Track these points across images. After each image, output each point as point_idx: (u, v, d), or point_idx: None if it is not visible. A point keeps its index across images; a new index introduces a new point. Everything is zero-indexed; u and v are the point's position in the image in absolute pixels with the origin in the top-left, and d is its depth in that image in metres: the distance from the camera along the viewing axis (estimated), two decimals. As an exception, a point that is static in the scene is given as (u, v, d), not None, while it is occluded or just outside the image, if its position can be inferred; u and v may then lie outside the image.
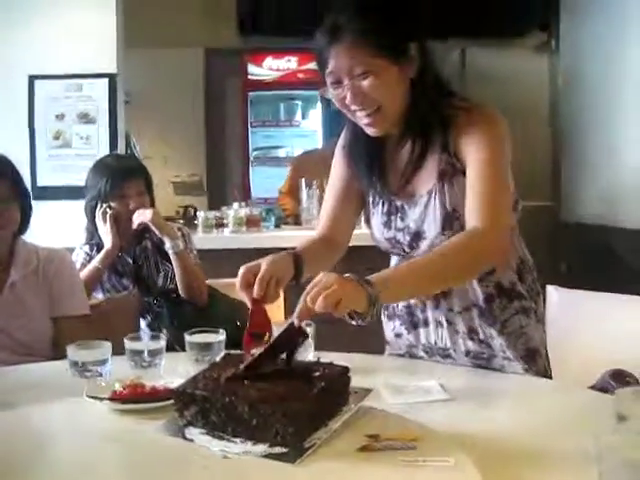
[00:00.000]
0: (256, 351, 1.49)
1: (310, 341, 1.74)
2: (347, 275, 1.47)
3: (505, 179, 1.71)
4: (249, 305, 1.63)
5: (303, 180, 4.28)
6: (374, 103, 1.69)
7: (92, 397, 1.57)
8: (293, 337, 1.48)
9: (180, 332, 1.98)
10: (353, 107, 1.71)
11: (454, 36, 6.02)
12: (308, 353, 1.72)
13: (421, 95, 1.74)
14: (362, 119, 1.74)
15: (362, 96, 1.68)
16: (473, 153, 1.71)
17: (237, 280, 1.64)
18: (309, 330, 1.73)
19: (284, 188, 5.01)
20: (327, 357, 1.59)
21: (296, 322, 1.45)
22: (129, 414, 1.53)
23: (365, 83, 1.66)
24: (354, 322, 1.49)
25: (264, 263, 1.64)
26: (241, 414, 1.31)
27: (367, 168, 1.87)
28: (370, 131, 1.76)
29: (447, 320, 1.87)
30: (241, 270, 1.64)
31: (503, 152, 1.72)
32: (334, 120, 4.71)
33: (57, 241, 2.75)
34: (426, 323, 1.91)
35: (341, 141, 1.96)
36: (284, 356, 1.48)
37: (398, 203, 1.85)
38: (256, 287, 1.61)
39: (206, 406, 1.36)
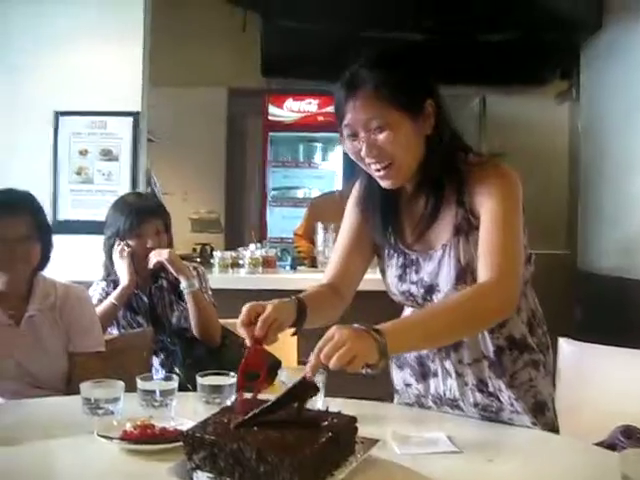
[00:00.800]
0: (261, 398, 1.51)
1: (321, 387, 1.74)
2: (357, 326, 1.49)
3: (517, 232, 1.73)
4: (248, 343, 1.64)
5: (319, 223, 4.30)
6: (388, 157, 1.72)
7: (103, 436, 1.59)
8: (304, 390, 1.49)
9: (192, 371, 2.00)
10: (367, 160, 1.74)
11: (475, 83, 6.08)
12: (318, 400, 1.72)
13: (436, 151, 1.76)
14: (376, 172, 1.76)
15: (377, 150, 1.71)
16: (486, 207, 1.73)
17: (240, 316, 1.65)
18: (320, 378, 1.75)
19: (299, 230, 5.02)
20: (336, 403, 1.61)
21: (308, 376, 1.47)
22: (139, 454, 1.54)
23: (381, 137, 1.69)
24: (364, 372, 1.50)
25: (270, 305, 1.65)
26: (249, 461, 1.32)
27: (382, 221, 1.89)
28: (384, 184, 1.79)
29: (456, 372, 1.87)
30: (245, 307, 1.66)
31: (516, 206, 1.74)
32: (353, 163, 4.78)
33: (75, 275, 2.79)
34: (435, 374, 1.91)
35: (355, 192, 1.97)
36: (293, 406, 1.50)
37: (413, 256, 1.86)
38: (258, 327, 1.62)
39: (215, 451, 1.37)
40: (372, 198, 1.89)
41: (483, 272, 1.69)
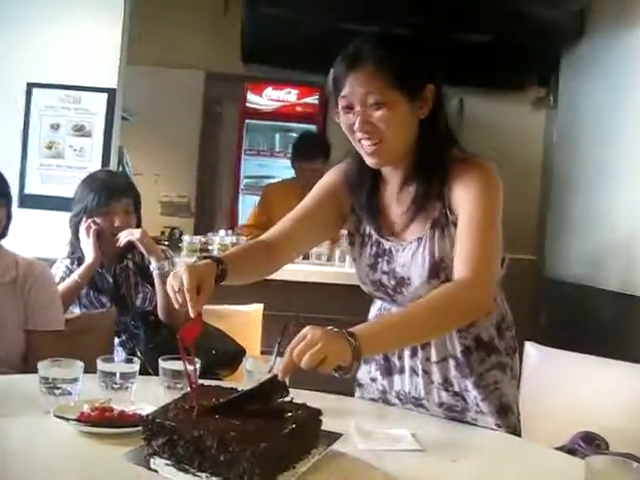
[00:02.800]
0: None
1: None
2: (331, 328, 1.46)
3: (495, 233, 1.72)
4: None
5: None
6: (380, 135, 1.70)
7: (59, 417, 1.55)
8: (274, 390, 1.46)
9: (154, 355, 1.96)
10: (359, 135, 1.72)
11: (453, 84, 6.08)
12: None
13: (430, 138, 1.76)
14: (365, 147, 1.74)
15: (370, 126, 1.70)
16: (465, 204, 1.71)
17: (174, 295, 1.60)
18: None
19: (250, 220, 4.90)
20: (300, 396, 1.58)
21: (280, 376, 1.44)
22: (95, 437, 1.51)
23: (376, 114, 1.68)
24: (337, 375, 1.48)
25: (185, 274, 1.57)
26: (209, 449, 1.30)
27: (367, 201, 1.87)
28: (370, 161, 1.77)
29: (423, 369, 1.86)
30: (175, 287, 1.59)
31: (495, 206, 1.73)
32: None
33: (39, 251, 2.74)
34: (402, 371, 1.90)
35: (341, 166, 1.94)
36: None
37: (387, 246, 1.84)
38: (190, 301, 1.56)
39: (174, 437, 1.35)
40: (361, 177, 1.87)
41: (460, 269, 1.67)
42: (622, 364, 2.24)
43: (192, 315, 1.57)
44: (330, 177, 1.96)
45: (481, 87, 6.32)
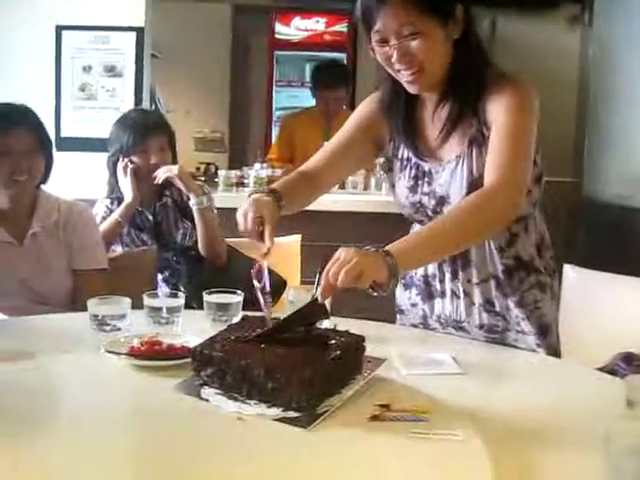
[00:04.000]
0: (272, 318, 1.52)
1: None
2: (366, 248, 1.49)
3: (526, 145, 1.71)
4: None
5: (325, 144, 4.22)
6: (419, 63, 1.70)
7: (111, 352, 1.60)
8: (314, 313, 1.49)
9: (197, 290, 2.00)
10: (397, 66, 1.72)
11: (485, 5, 5.94)
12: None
13: (463, 57, 1.75)
14: (405, 77, 1.74)
15: (409, 56, 1.69)
16: (498, 117, 1.72)
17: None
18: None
19: (273, 154, 4.83)
20: (342, 323, 1.61)
21: (320, 300, 1.46)
22: (146, 370, 1.56)
23: (413, 44, 1.67)
24: (375, 293, 1.51)
25: (251, 207, 1.69)
26: (257, 377, 1.34)
27: (404, 123, 1.87)
28: (411, 89, 1.78)
29: (464, 291, 1.88)
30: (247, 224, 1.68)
31: (527, 121, 1.72)
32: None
33: (78, 192, 2.78)
34: (443, 294, 1.92)
35: (376, 95, 1.94)
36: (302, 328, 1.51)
37: (426, 167, 1.85)
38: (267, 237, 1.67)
39: (222, 367, 1.39)
40: (397, 102, 1.87)
41: (489, 174, 1.68)
42: (662, 283, 2.23)
43: (269, 246, 1.65)
44: (366, 106, 1.96)
45: (513, 6, 6.16)
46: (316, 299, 1.47)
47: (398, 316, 2.08)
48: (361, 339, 1.50)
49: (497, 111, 1.72)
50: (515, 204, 1.68)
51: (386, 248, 1.51)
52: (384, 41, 1.70)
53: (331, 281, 1.44)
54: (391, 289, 1.50)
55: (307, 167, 1.94)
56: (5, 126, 2.29)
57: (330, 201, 3.59)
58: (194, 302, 2.12)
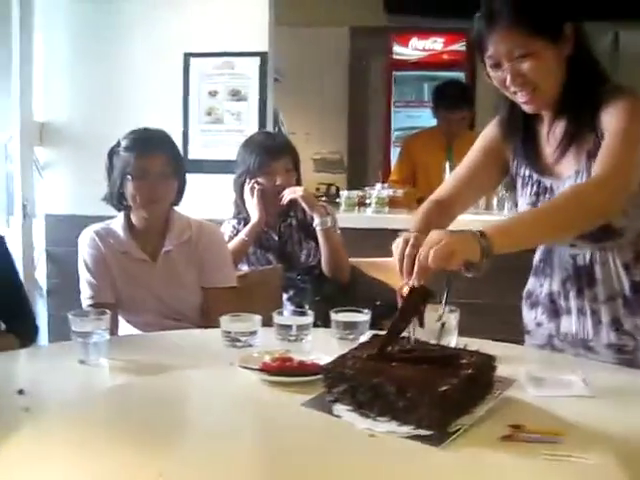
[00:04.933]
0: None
1: (454, 327, 1.76)
2: (457, 231, 1.51)
3: (634, 146, 1.68)
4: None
5: (447, 165, 4.21)
6: (533, 84, 1.73)
7: (244, 367, 1.65)
8: (418, 298, 1.51)
9: (321, 308, 2.04)
10: (513, 88, 1.75)
11: (607, 18, 5.78)
12: (452, 339, 1.73)
13: (577, 74, 1.76)
14: (520, 98, 1.77)
15: (522, 78, 1.72)
16: (611, 125, 1.70)
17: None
18: (453, 316, 1.76)
19: (395, 175, 4.81)
20: (471, 344, 1.61)
21: (416, 283, 1.49)
22: (278, 386, 1.60)
23: (524, 66, 1.70)
24: (469, 274, 1.52)
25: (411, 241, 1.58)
26: (388, 395, 1.36)
27: (522, 143, 1.89)
28: (528, 108, 1.80)
29: (591, 309, 1.85)
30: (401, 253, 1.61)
31: (638, 124, 1.69)
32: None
33: (206, 213, 2.87)
34: (569, 312, 1.90)
35: (497, 119, 1.97)
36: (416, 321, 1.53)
37: (547, 184, 1.86)
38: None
39: (354, 385, 1.41)
40: (514, 121, 1.89)
41: (595, 170, 1.67)
42: None
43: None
44: (489, 130, 1.99)
45: (636, 18, 5.98)
46: (413, 286, 1.49)
47: (526, 337, 2.06)
48: (492, 359, 1.50)
49: (609, 118, 1.71)
50: (615, 201, 1.65)
51: (481, 228, 1.51)
52: (497, 65, 1.74)
53: (422, 263, 1.46)
54: (483, 270, 1.50)
55: (439, 196, 1.97)
56: (145, 150, 2.42)
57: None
58: (318, 320, 2.16)
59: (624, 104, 1.71)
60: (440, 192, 1.98)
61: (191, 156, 4.12)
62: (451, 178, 2.02)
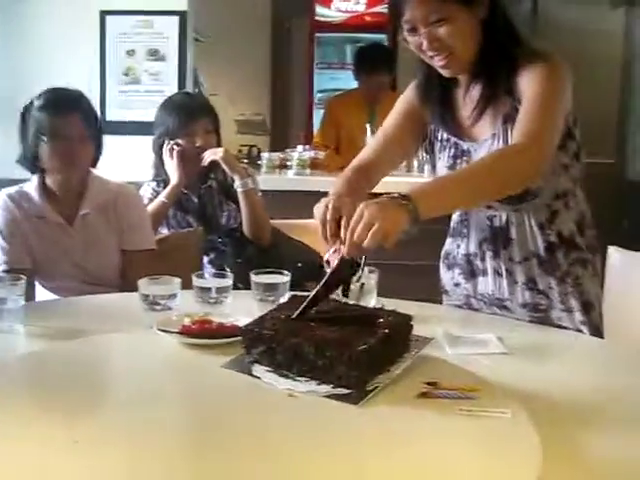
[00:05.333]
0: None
1: (373, 287, 1.78)
2: (385, 199, 1.49)
3: (552, 112, 1.71)
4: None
5: (368, 127, 4.23)
6: (449, 48, 1.74)
7: (163, 330, 1.64)
8: (346, 269, 1.52)
9: (242, 270, 2.04)
10: (429, 53, 1.76)
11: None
12: (371, 299, 1.76)
13: (491, 37, 1.78)
14: (438, 62, 1.79)
15: (438, 42, 1.73)
16: (528, 89, 1.73)
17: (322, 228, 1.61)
18: (373, 276, 1.78)
19: (318, 137, 4.83)
20: (388, 304, 1.64)
21: (346, 256, 1.49)
22: (198, 348, 1.59)
23: (440, 30, 1.71)
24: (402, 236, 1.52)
25: (330, 206, 1.60)
26: (307, 355, 1.37)
27: (439, 107, 1.91)
28: (445, 72, 1.82)
29: (507, 270, 1.90)
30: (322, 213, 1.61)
31: (557, 92, 1.73)
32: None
33: (124, 175, 2.82)
34: (485, 272, 1.94)
35: (415, 82, 1.98)
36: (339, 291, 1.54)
37: (464, 147, 1.88)
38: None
39: (273, 345, 1.42)
40: (431, 85, 1.91)
41: (514, 137, 1.70)
42: None
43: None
44: (407, 94, 2.00)
45: (556, -15, 6.09)
46: (342, 257, 1.49)
47: (444, 297, 2.10)
48: (409, 318, 1.52)
49: (527, 83, 1.74)
50: (538, 166, 1.69)
51: (406, 192, 1.51)
52: (414, 30, 1.75)
53: (357, 242, 1.45)
54: (415, 232, 1.50)
55: (361, 160, 1.95)
56: (60, 110, 2.34)
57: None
58: (240, 283, 2.16)
59: (541, 69, 1.73)
60: (361, 157, 1.97)
61: (109, 117, 4.04)
62: (372, 142, 2.01)
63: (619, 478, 1.12)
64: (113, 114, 4.07)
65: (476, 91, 1.83)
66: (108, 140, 2.54)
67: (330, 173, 3.95)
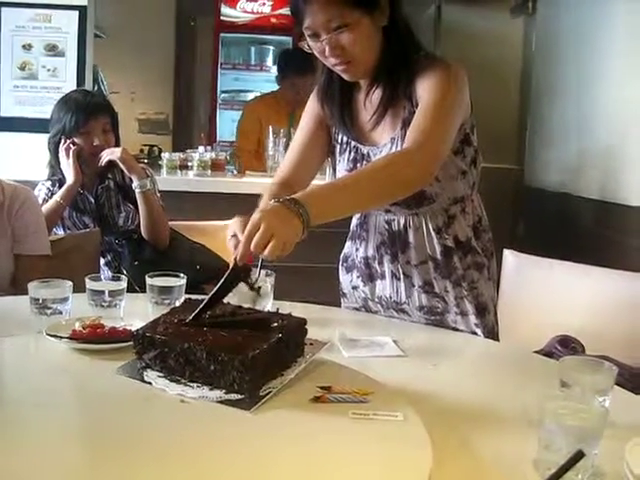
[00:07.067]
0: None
1: (269, 291, 1.77)
2: (277, 203, 1.48)
3: (447, 116, 1.74)
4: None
5: (270, 128, 4.23)
6: (350, 55, 1.75)
7: (52, 335, 1.58)
8: (238, 275, 1.51)
9: (140, 272, 1.99)
10: (331, 60, 1.77)
11: (430, -9, 5.98)
12: (267, 303, 1.74)
13: (392, 43, 1.80)
14: (339, 68, 1.80)
15: (340, 49, 1.74)
16: (424, 94, 1.76)
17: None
18: (269, 280, 1.77)
19: (241, 143, 4.82)
20: (284, 306, 1.63)
21: (239, 263, 1.48)
22: (88, 353, 1.55)
23: (342, 37, 1.72)
24: None
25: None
26: (199, 360, 1.34)
27: (339, 110, 1.91)
28: (346, 77, 1.83)
29: (404, 273, 1.93)
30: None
31: (453, 96, 1.76)
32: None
33: (18, 174, 2.74)
34: (383, 276, 1.97)
35: (318, 86, 1.99)
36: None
37: (364, 150, 1.90)
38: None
39: (165, 350, 1.39)
40: (331, 89, 1.92)
41: (407, 140, 1.71)
42: (598, 270, 2.29)
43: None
44: (312, 100, 2.00)
45: (459, -8, 6.21)
46: (235, 263, 1.48)
47: (342, 299, 2.11)
48: (303, 322, 1.51)
49: (424, 88, 1.76)
50: (428, 171, 1.71)
51: (298, 197, 1.50)
52: (316, 35, 1.75)
53: (252, 250, 1.44)
54: (303, 237, 1.49)
55: (283, 173, 1.94)
56: None
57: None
58: (137, 285, 2.11)
59: (435, 74, 1.76)
60: (282, 170, 1.96)
61: (2, 113, 3.89)
62: (289, 154, 1.99)
63: (509, 476, 1.14)
64: (7, 110, 3.92)
65: (376, 95, 1.85)
66: (2, 137, 2.44)
67: (232, 174, 3.93)
